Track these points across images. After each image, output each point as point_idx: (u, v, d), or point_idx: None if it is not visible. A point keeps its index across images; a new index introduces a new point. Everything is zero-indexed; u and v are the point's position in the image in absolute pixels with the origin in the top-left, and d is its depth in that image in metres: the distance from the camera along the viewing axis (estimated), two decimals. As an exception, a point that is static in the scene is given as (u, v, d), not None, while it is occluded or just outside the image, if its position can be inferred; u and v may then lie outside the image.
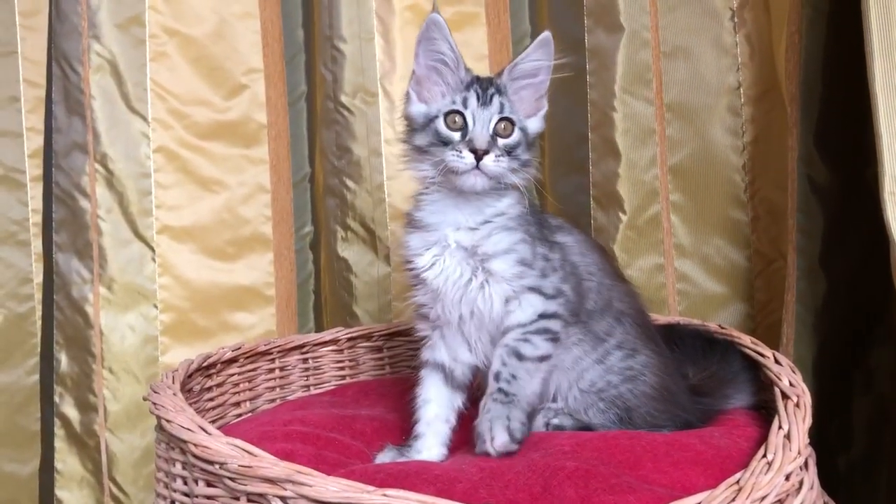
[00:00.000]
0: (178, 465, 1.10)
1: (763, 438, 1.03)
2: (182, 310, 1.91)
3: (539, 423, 1.26)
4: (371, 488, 0.91)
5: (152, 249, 1.89)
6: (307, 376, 1.65)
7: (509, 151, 1.22)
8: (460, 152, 1.19)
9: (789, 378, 1.15)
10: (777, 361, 1.23)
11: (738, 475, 0.94)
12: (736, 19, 1.77)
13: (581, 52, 1.83)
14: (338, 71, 1.96)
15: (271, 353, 1.60)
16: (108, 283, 1.87)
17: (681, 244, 1.81)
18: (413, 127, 1.27)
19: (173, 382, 1.27)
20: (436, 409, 1.28)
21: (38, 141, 1.94)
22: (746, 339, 1.37)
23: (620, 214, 1.81)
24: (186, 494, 1.09)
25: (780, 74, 1.71)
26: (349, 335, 1.68)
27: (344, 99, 1.96)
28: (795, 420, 1.03)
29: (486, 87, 1.23)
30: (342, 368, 1.68)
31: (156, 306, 1.89)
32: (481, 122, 1.21)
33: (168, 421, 1.10)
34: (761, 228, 1.79)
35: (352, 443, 1.29)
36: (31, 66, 1.95)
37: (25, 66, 1.95)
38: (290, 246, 2.05)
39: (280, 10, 2.02)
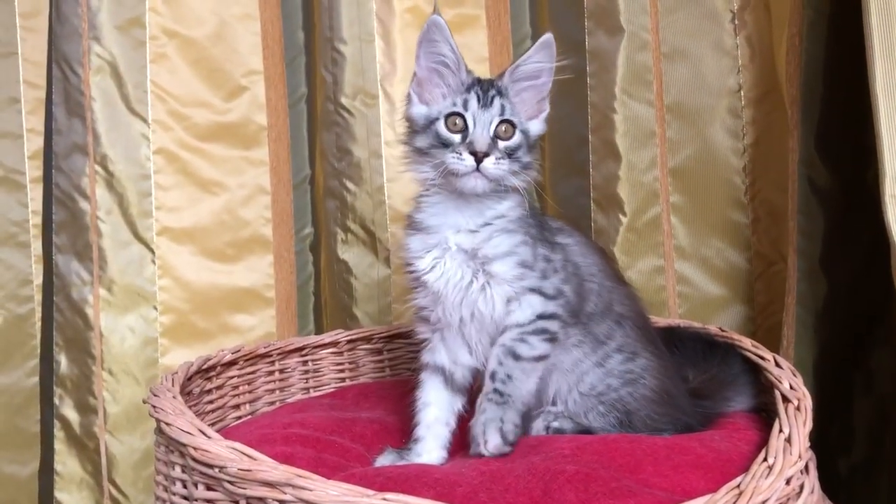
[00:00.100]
0: (178, 469, 1.10)
1: (764, 442, 1.03)
2: (182, 311, 1.91)
3: (539, 426, 1.26)
4: (371, 492, 0.91)
5: (152, 251, 1.89)
6: (307, 379, 1.64)
7: (510, 154, 1.22)
8: (460, 154, 1.19)
9: (790, 381, 1.15)
10: (777, 364, 1.23)
11: (738, 479, 0.93)
12: (736, 21, 1.77)
13: (581, 54, 1.83)
14: (338, 73, 1.95)
15: (271, 356, 1.60)
16: (108, 285, 1.87)
17: (681, 246, 1.81)
18: (414, 129, 1.27)
19: (173, 385, 1.26)
20: (436, 412, 1.27)
21: (39, 142, 1.94)
22: (747, 342, 1.37)
23: (620, 216, 1.81)
24: (186, 498, 1.08)
25: (780, 76, 1.70)
26: (349, 337, 1.68)
27: (344, 101, 1.96)
28: (796, 423, 1.02)
29: (486, 89, 1.23)
30: (342, 371, 1.68)
31: (155, 308, 1.89)
32: (482, 124, 1.21)
33: (167, 424, 1.10)
34: (762, 230, 1.79)
35: (351, 446, 1.29)
36: (31, 67, 1.95)
37: (25, 67, 1.95)
38: (290, 248, 2.05)
39: (280, 11, 2.02)
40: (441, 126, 1.22)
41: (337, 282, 2.01)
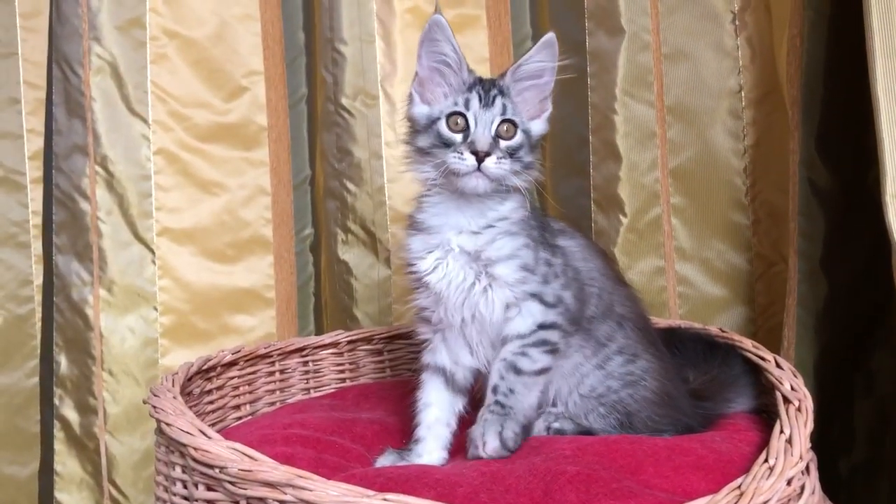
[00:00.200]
0: (178, 469, 1.10)
1: (764, 443, 1.03)
2: (182, 312, 1.90)
3: (540, 426, 1.26)
4: (371, 492, 0.91)
5: (152, 252, 1.89)
6: (307, 379, 1.64)
7: (511, 153, 1.21)
8: (462, 154, 1.19)
9: (791, 382, 1.15)
10: (778, 365, 1.23)
11: (739, 480, 0.93)
12: (737, 22, 1.77)
13: (582, 55, 1.83)
14: (338, 73, 1.95)
15: (271, 356, 1.59)
16: (108, 286, 1.87)
17: (681, 247, 1.81)
18: (415, 128, 1.27)
19: (173, 385, 1.26)
20: (437, 412, 1.27)
21: (39, 143, 1.94)
22: (747, 343, 1.37)
23: (621, 217, 1.81)
24: (186, 498, 1.08)
25: (781, 77, 1.70)
26: (349, 338, 1.68)
27: (344, 101, 1.96)
28: (797, 424, 1.02)
29: (488, 89, 1.23)
30: (342, 371, 1.68)
31: (156, 308, 1.89)
32: (483, 123, 1.21)
33: (168, 424, 1.10)
34: (762, 231, 1.79)
35: (352, 446, 1.29)
36: (31, 67, 1.95)
37: (26, 67, 1.95)
38: (290, 248, 2.05)
39: (281, 12, 2.02)
40: (442, 125, 1.22)
41: (337, 282, 2.01)
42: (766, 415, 1.32)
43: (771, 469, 0.94)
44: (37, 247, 1.95)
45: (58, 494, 1.88)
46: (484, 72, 1.92)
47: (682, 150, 1.81)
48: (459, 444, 1.25)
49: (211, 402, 1.47)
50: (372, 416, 1.44)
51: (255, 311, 1.96)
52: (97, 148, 1.87)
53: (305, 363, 1.64)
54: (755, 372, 1.32)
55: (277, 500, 0.94)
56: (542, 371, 1.21)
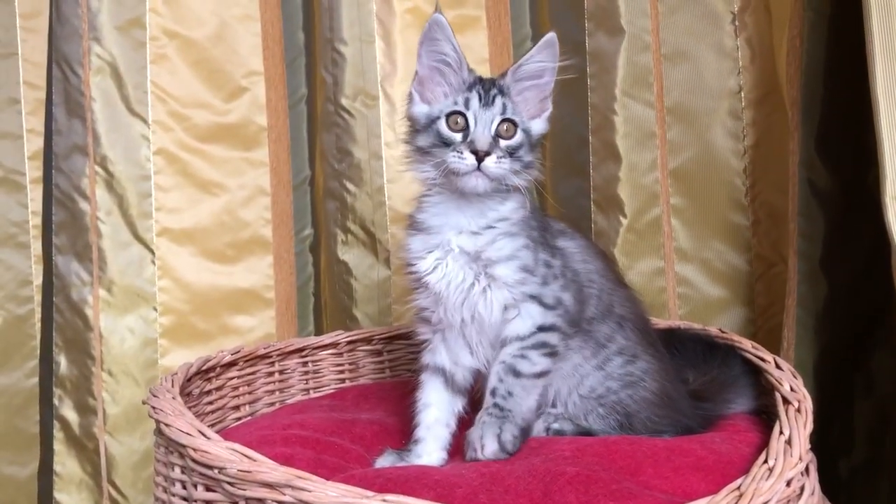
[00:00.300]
0: (177, 470, 1.10)
1: (764, 444, 1.02)
2: (182, 312, 1.90)
3: (539, 427, 1.26)
4: (370, 493, 0.91)
5: (152, 252, 1.89)
6: (307, 380, 1.64)
7: (511, 153, 1.21)
8: (461, 153, 1.19)
9: (790, 383, 1.15)
10: (778, 366, 1.23)
11: (739, 481, 0.93)
12: (737, 22, 1.77)
13: (582, 56, 1.83)
14: (338, 74, 1.95)
15: (271, 357, 1.59)
16: (108, 286, 1.87)
17: (681, 248, 1.81)
18: (415, 128, 1.26)
19: (172, 386, 1.26)
20: (436, 413, 1.27)
21: (39, 143, 1.94)
22: (747, 344, 1.37)
23: (621, 218, 1.81)
24: (185, 499, 1.08)
25: (781, 78, 1.70)
26: (349, 338, 1.67)
27: (344, 102, 1.96)
28: (796, 425, 1.02)
29: (488, 88, 1.23)
30: (342, 372, 1.68)
31: (155, 309, 1.89)
32: (483, 123, 1.20)
33: (167, 425, 1.10)
34: (762, 232, 1.79)
35: (351, 447, 1.29)
36: (31, 68, 1.95)
37: (26, 67, 1.95)
38: (289, 249, 2.04)
39: (280, 12, 2.02)
40: (442, 125, 1.22)
41: (337, 283, 2.01)
42: (765, 416, 1.32)
43: (770, 470, 0.94)
44: (36, 247, 1.95)
45: (57, 495, 1.87)
46: (484, 72, 1.91)
47: (682, 151, 1.81)
48: (459, 445, 1.25)
49: (210, 403, 1.47)
50: (371, 416, 1.44)
51: (254, 311, 1.96)
52: (97, 148, 1.87)
53: (305, 364, 1.64)
54: (755, 373, 1.32)
55: (276, 501, 0.94)
56: (542, 374, 1.21)
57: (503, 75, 1.25)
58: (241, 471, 0.96)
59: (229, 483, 0.98)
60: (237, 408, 1.53)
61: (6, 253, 1.94)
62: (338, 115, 1.97)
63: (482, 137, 1.19)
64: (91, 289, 1.87)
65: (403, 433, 1.34)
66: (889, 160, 1.26)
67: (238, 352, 1.53)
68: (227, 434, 1.35)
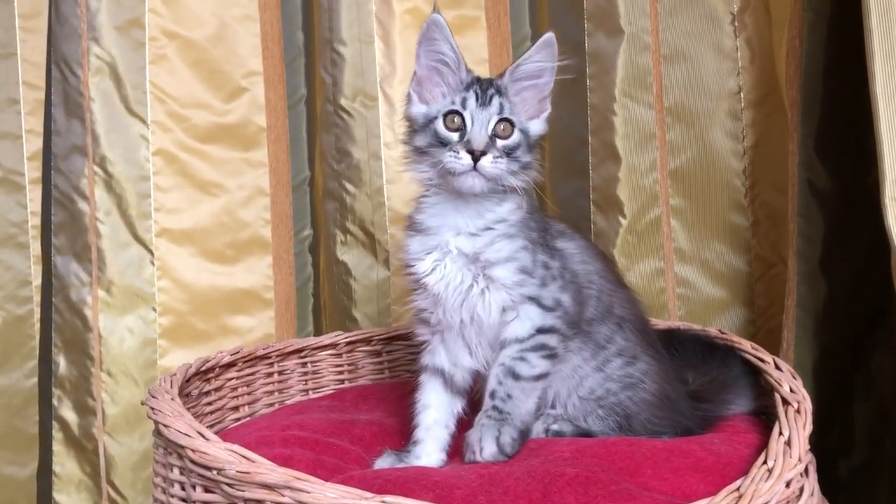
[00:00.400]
0: (176, 471, 1.10)
1: (763, 445, 1.02)
2: (181, 313, 1.90)
3: (539, 428, 1.26)
4: (369, 494, 0.90)
5: (151, 252, 1.89)
6: (306, 380, 1.64)
7: (508, 153, 1.21)
8: (458, 153, 1.18)
9: (790, 384, 1.15)
10: (777, 367, 1.23)
11: (738, 482, 0.93)
12: (736, 23, 1.77)
13: (581, 56, 1.83)
14: (337, 74, 1.95)
15: (270, 357, 1.59)
16: (107, 286, 1.87)
17: (681, 249, 1.81)
18: (414, 128, 1.26)
19: (171, 387, 1.26)
20: (435, 414, 1.27)
21: (38, 143, 1.94)
22: (747, 344, 1.37)
23: (620, 219, 1.81)
24: (184, 500, 1.08)
25: (780, 78, 1.70)
26: (348, 339, 1.67)
27: (343, 102, 1.96)
28: (796, 426, 1.02)
29: (485, 88, 1.22)
30: (341, 373, 1.68)
31: (154, 309, 1.89)
32: (480, 122, 1.20)
33: (166, 426, 1.10)
34: (762, 233, 1.79)
35: (350, 448, 1.29)
36: (30, 68, 1.95)
37: (25, 68, 1.95)
38: (289, 249, 2.04)
39: (280, 13, 2.02)
40: (440, 125, 1.22)
41: (336, 283, 2.01)
42: (765, 416, 1.32)
43: (770, 471, 0.94)
44: (35, 247, 1.95)
45: (56, 495, 1.87)
46: (483, 73, 1.91)
47: (682, 152, 1.80)
48: (458, 446, 1.25)
49: (209, 404, 1.47)
50: (370, 417, 1.44)
51: (253, 311, 1.96)
52: (96, 148, 1.87)
53: (304, 364, 1.64)
54: (754, 373, 1.32)
55: (275, 502, 0.94)
56: (541, 377, 1.21)
57: (501, 75, 1.25)
58: (239, 472, 0.96)
59: (228, 484, 0.98)
60: (236, 408, 1.53)
61: (5, 253, 1.94)
62: (337, 116, 1.97)
63: (478, 137, 1.19)
64: (90, 289, 1.87)
65: (402, 434, 1.34)
66: (889, 161, 1.26)
67: (237, 352, 1.53)
68: (226, 435, 1.35)
